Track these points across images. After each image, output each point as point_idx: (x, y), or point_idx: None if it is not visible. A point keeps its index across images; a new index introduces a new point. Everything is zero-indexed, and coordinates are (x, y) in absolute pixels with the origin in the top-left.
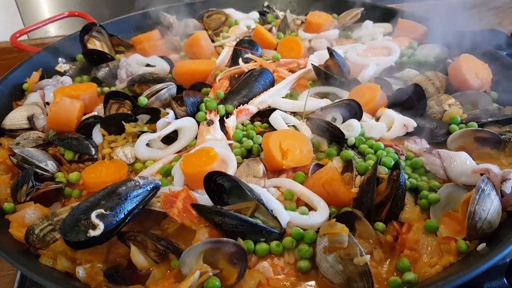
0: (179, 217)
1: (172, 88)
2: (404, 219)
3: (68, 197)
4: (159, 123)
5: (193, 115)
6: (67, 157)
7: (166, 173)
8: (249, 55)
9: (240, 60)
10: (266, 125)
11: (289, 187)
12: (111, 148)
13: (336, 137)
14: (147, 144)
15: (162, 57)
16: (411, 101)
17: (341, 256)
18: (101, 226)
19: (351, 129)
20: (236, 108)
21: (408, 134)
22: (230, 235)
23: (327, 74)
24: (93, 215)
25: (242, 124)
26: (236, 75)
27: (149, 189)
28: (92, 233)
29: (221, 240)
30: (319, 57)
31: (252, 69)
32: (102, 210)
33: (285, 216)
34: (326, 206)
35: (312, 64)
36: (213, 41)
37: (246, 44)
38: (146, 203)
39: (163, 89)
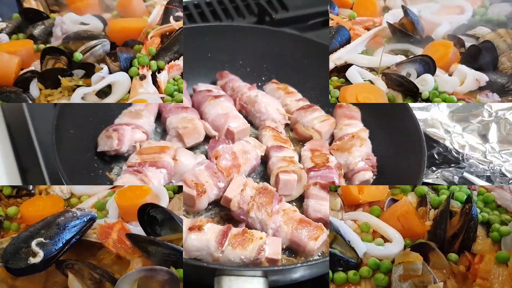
0: (114, 248)
1: (106, 45)
2: (476, 250)
3: (7, 230)
4: (94, 77)
5: (126, 70)
6: (5, 192)
7: (101, 207)
8: (179, 14)
9: (171, 18)
10: (343, 79)
11: (366, 220)
12: (48, 101)
13: (410, 91)
14: (83, 98)
15: (95, 16)
16: (483, 57)
17: (416, 283)
18: (41, 254)
19: (425, 83)
20: (168, 63)
21: (481, 89)
22: (163, 265)
23: (402, 32)
24: (34, 243)
25: (174, 79)
26: (167, 33)
27: (86, 220)
28: (33, 260)
29: (154, 268)
30: (394, 16)
31: (181, 27)
32: (42, 239)
33: (362, 246)
34: (401, 237)
35: (387, 22)
36: (144, 0)
37: (176, 3)
38: (83, 234)
39: (97, 45)
